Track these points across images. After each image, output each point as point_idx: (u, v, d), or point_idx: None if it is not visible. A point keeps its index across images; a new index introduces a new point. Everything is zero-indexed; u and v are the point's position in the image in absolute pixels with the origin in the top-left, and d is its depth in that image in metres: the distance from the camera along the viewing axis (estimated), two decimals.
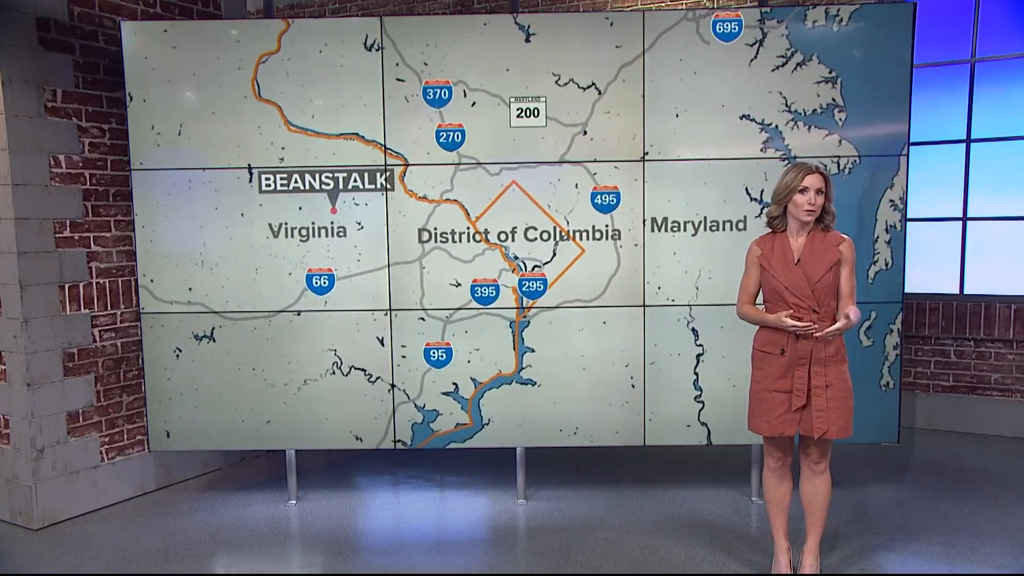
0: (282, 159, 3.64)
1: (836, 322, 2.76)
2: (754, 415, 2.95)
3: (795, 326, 2.77)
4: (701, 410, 3.72)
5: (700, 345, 3.72)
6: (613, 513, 3.77)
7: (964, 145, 5.00)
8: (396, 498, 4.06)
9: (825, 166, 3.22)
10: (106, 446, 3.94)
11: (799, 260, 2.83)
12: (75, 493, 3.80)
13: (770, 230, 2.95)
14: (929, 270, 5.10)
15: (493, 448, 3.85)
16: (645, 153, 3.63)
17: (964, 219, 5.02)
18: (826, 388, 2.81)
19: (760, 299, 3.01)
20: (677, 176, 3.63)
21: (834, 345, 2.82)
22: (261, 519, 3.78)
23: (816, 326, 2.76)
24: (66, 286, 3.74)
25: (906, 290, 3.71)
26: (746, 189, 3.62)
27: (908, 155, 3.61)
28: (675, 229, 3.65)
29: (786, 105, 3.56)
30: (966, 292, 5.04)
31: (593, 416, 3.77)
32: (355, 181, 3.66)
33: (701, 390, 3.71)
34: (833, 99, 3.55)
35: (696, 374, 3.73)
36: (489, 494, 4.05)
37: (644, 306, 3.72)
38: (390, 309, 3.75)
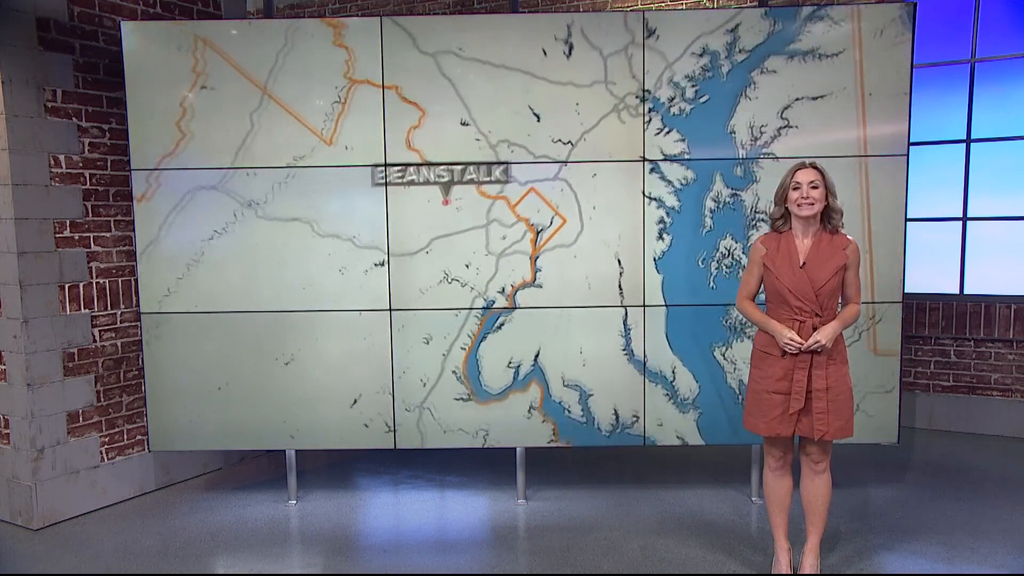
0: (290, 161, 3.63)
1: (832, 323, 2.80)
2: (751, 414, 2.95)
3: (789, 344, 2.77)
4: (699, 409, 3.71)
5: (697, 344, 3.71)
6: (613, 513, 3.77)
7: (964, 145, 5.00)
8: (396, 498, 4.06)
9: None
10: (106, 446, 3.94)
11: (804, 263, 2.82)
12: (75, 493, 3.80)
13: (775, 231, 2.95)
14: (929, 270, 5.10)
15: (493, 448, 3.85)
16: (643, 155, 3.63)
17: (964, 219, 5.02)
18: (827, 391, 2.81)
19: (762, 296, 3.01)
20: (676, 177, 3.63)
21: (835, 347, 2.83)
22: (261, 519, 3.78)
23: (804, 344, 2.76)
24: (66, 286, 3.75)
25: (906, 290, 3.71)
26: (742, 189, 3.62)
27: (908, 155, 3.61)
28: (674, 229, 3.64)
29: (783, 106, 3.56)
30: (966, 292, 5.04)
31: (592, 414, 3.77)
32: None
33: (699, 389, 3.70)
34: (825, 101, 3.53)
35: (693, 373, 3.73)
36: (489, 494, 4.05)
37: (644, 306, 3.70)
38: (391, 309, 3.74)
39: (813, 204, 2.79)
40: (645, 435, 3.46)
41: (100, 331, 3.89)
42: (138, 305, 3.82)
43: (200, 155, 3.61)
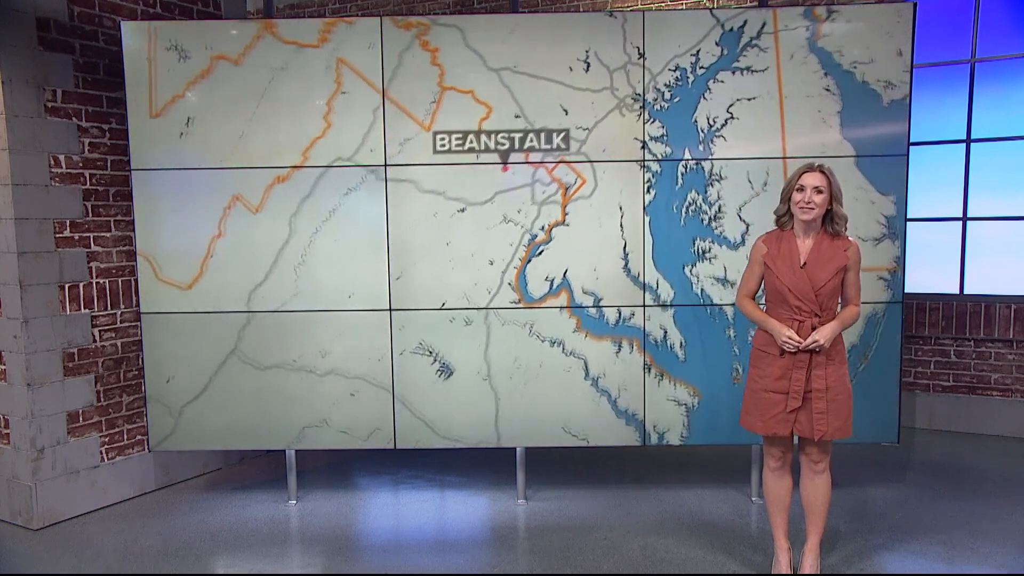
0: (401, 140, 3.77)
1: (831, 323, 2.80)
2: (748, 412, 2.95)
3: (787, 342, 2.77)
4: (674, 308, 3.79)
5: (698, 343, 3.72)
6: (613, 513, 3.77)
7: (964, 145, 5.00)
8: (396, 498, 4.06)
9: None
10: (106, 446, 3.94)
11: (804, 264, 2.82)
12: (75, 493, 3.80)
13: (778, 228, 2.95)
14: (929, 270, 5.10)
15: (493, 448, 3.85)
16: (636, 137, 3.70)
17: (964, 219, 5.02)
18: (826, 391, 2.80)
19: (761, 295, 3.01)
20: (659, 151, 3.72)
21: (834, 347, 2.82)
22: (261, 519, 3.78)
23: (802, 343, 2.77)
24: (66, 286, 3.75)
25: (906, 290, 3.72)
26: (703, 159, 3.72)
27: (908, 155, 3.61)
28: (657, 186, 3.73)
29: (729, 104, 3.70)
30: (966, 292, 5.04)
31: (592, 414, 3.79)
32: (354, 180, 3.73)
33: (674, 294, 3.79)
34: (756, 101, 3.68)
35: (692, 372, 3.74)
36: (489, 494, 4.05)
37: (644, 306, 3.73)
38: (390, 309, 3.76)
39: (814, 209, 2.78)
40: (645, 331, 3.86)
41: (100, 331, 3.89)
42: (138, 305, 3.82)
43: (200, 154, 3.73)
